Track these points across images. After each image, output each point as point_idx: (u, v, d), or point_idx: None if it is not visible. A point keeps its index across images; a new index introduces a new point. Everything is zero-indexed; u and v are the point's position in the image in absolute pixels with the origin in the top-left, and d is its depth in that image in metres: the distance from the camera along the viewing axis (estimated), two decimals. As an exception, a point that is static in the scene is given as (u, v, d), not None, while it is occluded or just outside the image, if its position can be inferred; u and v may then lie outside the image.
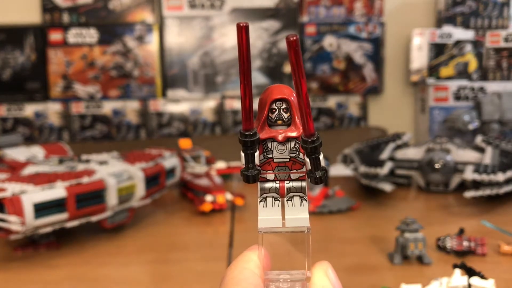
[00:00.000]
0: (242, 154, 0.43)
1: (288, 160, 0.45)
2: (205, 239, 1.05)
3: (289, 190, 0.46)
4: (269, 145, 0.45)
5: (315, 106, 2.33)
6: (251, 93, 0.41)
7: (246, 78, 0.39)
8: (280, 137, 0.45)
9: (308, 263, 0.46)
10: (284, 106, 0.45)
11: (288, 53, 0.38)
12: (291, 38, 0.37)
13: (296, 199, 0.46)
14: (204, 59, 2.27)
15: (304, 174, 0.46)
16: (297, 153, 0.45)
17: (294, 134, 0.45)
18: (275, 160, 0.45)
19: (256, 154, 0.44)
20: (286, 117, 0.45)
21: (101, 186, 0.95)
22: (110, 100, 2.28)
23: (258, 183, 0.46)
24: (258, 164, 0.45)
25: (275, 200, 0.45)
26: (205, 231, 1.10)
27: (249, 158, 0.43)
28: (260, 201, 0.45)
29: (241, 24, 0.37)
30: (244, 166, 0.44)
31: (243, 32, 0.37)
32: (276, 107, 0.45)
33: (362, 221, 1.11)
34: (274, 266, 0.46)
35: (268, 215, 0.45)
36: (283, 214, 0.45)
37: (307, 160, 0.43)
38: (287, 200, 0.46)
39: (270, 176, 0.45)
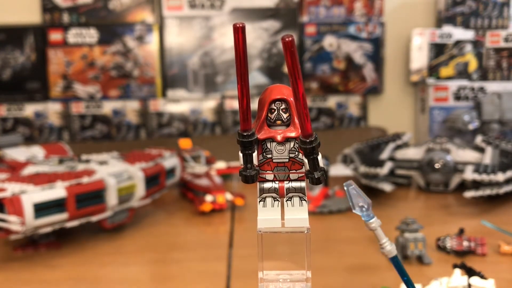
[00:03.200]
0: (240, 155, 0.43)
1: (287, 160, 0.45)
2: (205, 239, 1.05)
3: (289, 190, 0.45)
4: (268, 145, 0.45)
5: (315, 106, 2.33)
6: (249, 93, 0.40)
7: (243, 79, 0.39)
8: (279, 137, 0.45)
9: (308, 263, 0.46)
10: (283, 106, 0.44)
11: (284, 53, 0.37)
12: (287, 39, 0.37)
13: (296, 200, 0.46)
14: (204, 59, 2.28)
15: (303, 174, 0.45)
16: (296, 153, 0.45)
17: (293, 134, 0.45)
18: (274, 160, 0.45)
19: (255, 154, 0.44)
20: (285, 117, 0.45)
21: (101, 186, 0.95)
22: (110, 100, 2.28)
23: (258, 183, 0.46)
24: (257, 164, 0.45)
25: (274, 200, 0.45)
26: (205, 231, 1.10)
27: (247, 159, 0.43)
28: (259, 201, 0.45)
29: (238, 25, 0.37)
30: (242, 166, 0.44)
31: (239, 33, 0.37)
32: (275, 107, 0.44)
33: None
34: (274, 266, 0.46)
35: (268, 215, 0.45)
36: (282, 214, 0.45)
37: (306, 160, 0.43)
38: (286, 201, 0.46)
39: (269, 176, 0.45)
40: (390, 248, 0.52)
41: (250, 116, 0.42)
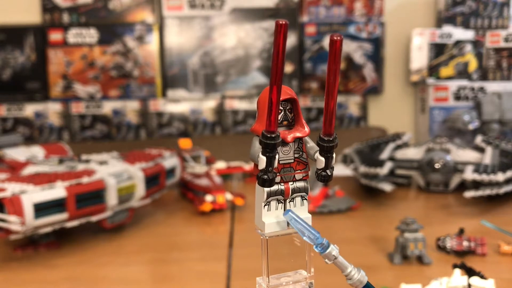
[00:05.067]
0: (263, 157, 0.41)
1: (292, 160, 0.45)
2: (205, 239, 1.05)
3: (294, 191, 0.45)
4: None
5: (315, 106, 2.33)
6: (280, 94, 0.39)
7: (278, 80, 0.38)
8: (289, 138, 0.44)
9: (309, 263, 0.46)
10: (289, 106, 0.44)
11: (329, 51, 0.36)
12: (335, 38, 0.36)
13: (298, 199, 0.46)
14: (204, 59, 2.27)
15: (307, 173, 0.45)
16: (301, 153, 0.45)
17: (301, 134, 0.44)
18: (280, 162, 0.45)
19: (277, 157, 0.42)
20: (291, 118, 0.45)
21: (101, 186, 0.95)
22: (110, 100, 2.28)
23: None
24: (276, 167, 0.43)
25: (278, 203, 0.45)
26: (205, 231, 1.10)
27: (270, 162, 0.41)
28: (264, 206, 0.45)
29: (281, 22, 0.35)
30: (262, 169, 0.41)
31: (282, 30, 0.35)
32: (282, 108, 0.44)
33: (362, 221, 1.11)
34: (276, 267, 0.46)
35: (273, 219, 0.45)
36: None
37: (321, 158, 0.43)
38: (289, 201, 0.45)
39: (277, 178, 0.45)
40: (359, 276, 0.44)
41: (277, 119, 0.40)
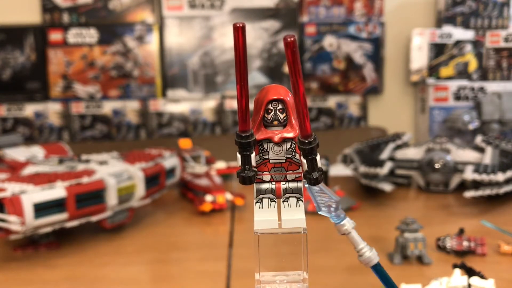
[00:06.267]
0: (238, 155, 0.43)
1: (284, 161, 0.45)
2: (205, 239, 1.05)
3: (285, 191, 0.45)
4: (265, 146, 0.45)
5: (315, 106, 2.33)
6: (248, 94, 0.40)
7: (243, 79, 0.39)
8: (276, 138, 0.44)
9: (305, 264, 0.46)
10: (280, 106, 0.44)
11: (285, 53, 0.37)
12: (289, 39, 0.37)
13: (292, 200, 0.45)
14: (204, 59, 2.28)
15: (300, 174, 0.45)
16: (293, 153, 0.45)
17: (290, 135, 0.45)
18: (271, 161, 0.45)
19: (253, 155, 0.43)
20: (282, 118, 0.45)
21: (101, 186, 0.95)
22: (110, 100, 2.28)
23: (254, 184, 0.45)
24: (255, 165, 0.44)
25: (271, 201, 0.45)
26: (205, 231, 1.10)
27: (245, 160, 0.43)
28: (256, 202, 0.45)
29: (238, 25, 0.37)
30: (240, 167, 0.43)
31: (239, 32, 0.37)
32: (272, 108, 0.44)
33: (362, 221, 1.11)
34: (271, 266, 0.46)
35: (264, 216, 0.45)
36: (279, 215, 0.45)
37: (304, 161, 0.43)
38: (283, 201, 0.45)
39: (266, 177, 0.45)
40: (370, 254, 0.44)
41: (249, 117, 0.41)
